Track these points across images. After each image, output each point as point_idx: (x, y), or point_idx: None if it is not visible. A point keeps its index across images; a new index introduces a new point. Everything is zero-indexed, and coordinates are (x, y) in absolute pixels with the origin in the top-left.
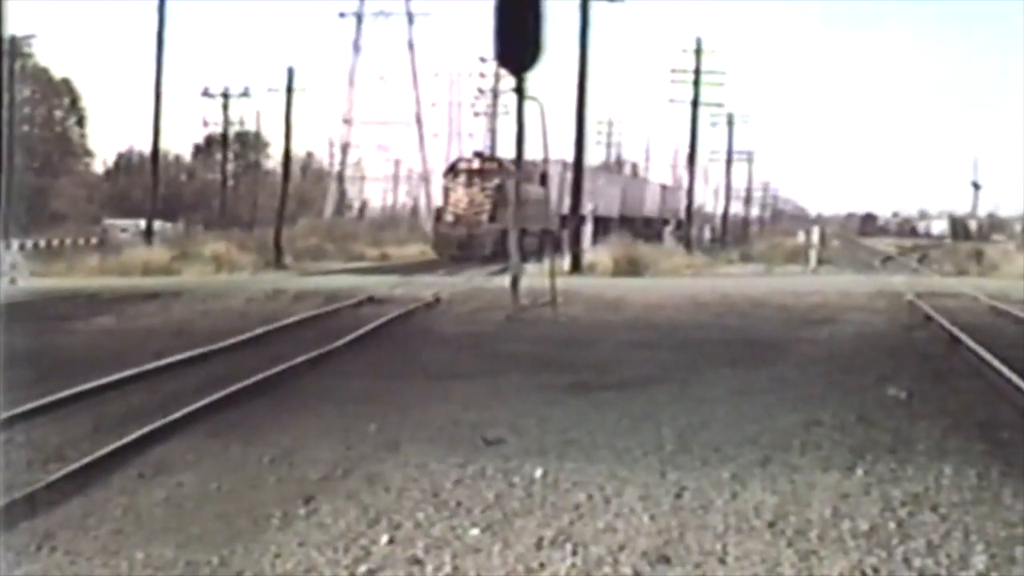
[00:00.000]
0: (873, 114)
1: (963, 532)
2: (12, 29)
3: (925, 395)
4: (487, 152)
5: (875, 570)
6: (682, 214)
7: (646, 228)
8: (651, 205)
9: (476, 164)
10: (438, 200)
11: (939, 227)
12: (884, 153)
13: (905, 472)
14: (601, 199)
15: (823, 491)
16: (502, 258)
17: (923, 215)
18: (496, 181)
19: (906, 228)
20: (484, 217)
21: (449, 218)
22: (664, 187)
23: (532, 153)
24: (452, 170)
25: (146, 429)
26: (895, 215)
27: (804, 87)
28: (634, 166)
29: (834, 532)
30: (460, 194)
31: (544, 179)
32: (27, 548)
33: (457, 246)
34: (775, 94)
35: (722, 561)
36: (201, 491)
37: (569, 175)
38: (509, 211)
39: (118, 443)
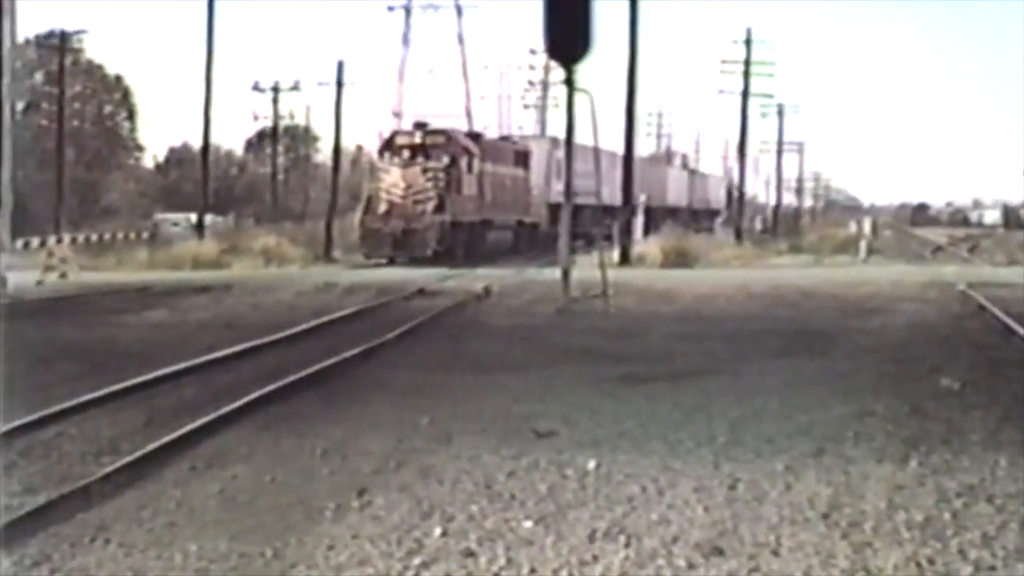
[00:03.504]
0: (926, 103)
1: (1019, 523)
2: (64, 25)
3: (978, 385)
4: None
5: (930, 562)
6: (719, 204)
7: (669, 219)
8: (676, 194)
9: (417, 138)
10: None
11: (992, 216)
12: (938, 143)
13: (960, 463)
14: (604, 185)
15: (877, 482)
16: (449, 259)
17: (977, 204)
18: (444, 160)
19: (958, 218)
20: (427, 206)
21: (382, 208)
22: (694, 173)
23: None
24: (388, 146)
25: (199, 422)
26: (948, 205)
27: (856, 77)
28: (684, 157)
29: (889, 524)
30: (395, 177)
31: (525, 160)
32: (81, 540)
33: (391, 244)
34: (827, 84)
35: (776, 553)
36: (254, 484)
37: (558, 154)
38: (539, 198)
39: (171, 436)
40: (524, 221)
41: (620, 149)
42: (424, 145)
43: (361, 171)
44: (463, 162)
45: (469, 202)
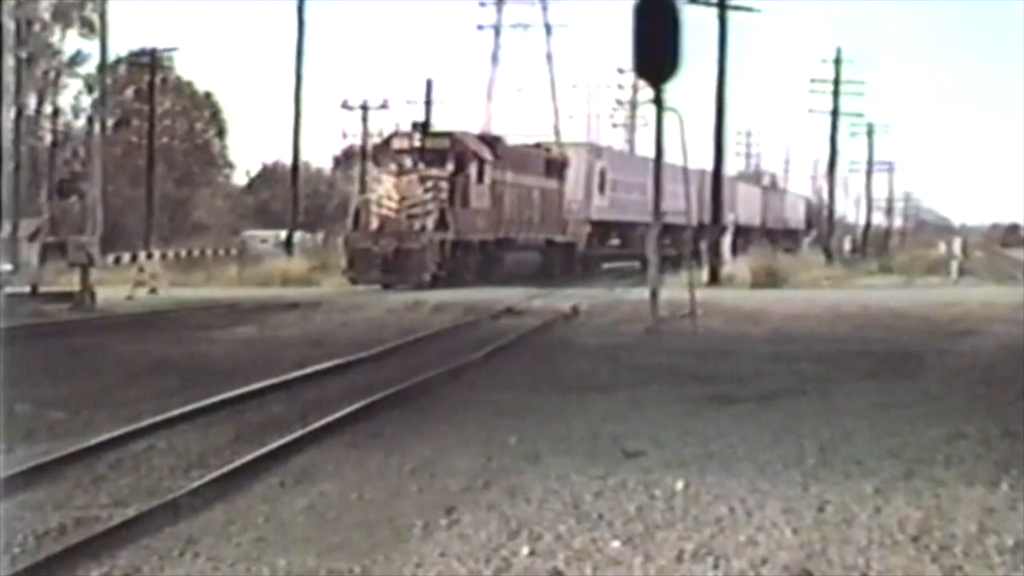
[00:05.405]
0: (1019, 122)
1: None
2: (155, 43)
3: None
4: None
5: None
6: (798, 223)
7: (739, 239)
8: (747, 212)
9: (416, 141)
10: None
11: None
12: None
13: None
14: (670, 201)
15: (968, 506)
16: (454, 282)
17: None
18: (449, 167)
19: None
20: (426, 222)
21: (373, 223)
22: (768, 191)
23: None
24: (383, 150)
25: (287, 438)
26: None
27: (948, 95)
28: (773, 176)
29: (979, 547)
30: (388, 187)
31: (559, 170)
32: (170, 553)
33: (381, 267)
34: (918, 103)
35: None
36: (342, 500)
37: (600, 164)
38: (576, 214)
39: (259, 451)
40: (556, 240)
41: (708, 167)
42: (424, 149)
43: None
44: (472, 169)
45: (480, 217)
